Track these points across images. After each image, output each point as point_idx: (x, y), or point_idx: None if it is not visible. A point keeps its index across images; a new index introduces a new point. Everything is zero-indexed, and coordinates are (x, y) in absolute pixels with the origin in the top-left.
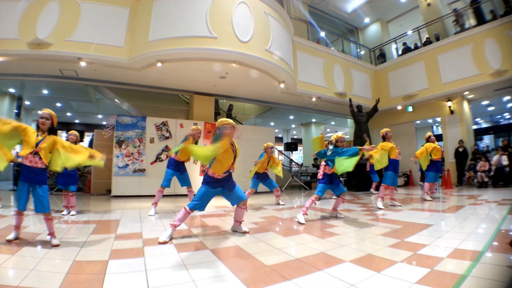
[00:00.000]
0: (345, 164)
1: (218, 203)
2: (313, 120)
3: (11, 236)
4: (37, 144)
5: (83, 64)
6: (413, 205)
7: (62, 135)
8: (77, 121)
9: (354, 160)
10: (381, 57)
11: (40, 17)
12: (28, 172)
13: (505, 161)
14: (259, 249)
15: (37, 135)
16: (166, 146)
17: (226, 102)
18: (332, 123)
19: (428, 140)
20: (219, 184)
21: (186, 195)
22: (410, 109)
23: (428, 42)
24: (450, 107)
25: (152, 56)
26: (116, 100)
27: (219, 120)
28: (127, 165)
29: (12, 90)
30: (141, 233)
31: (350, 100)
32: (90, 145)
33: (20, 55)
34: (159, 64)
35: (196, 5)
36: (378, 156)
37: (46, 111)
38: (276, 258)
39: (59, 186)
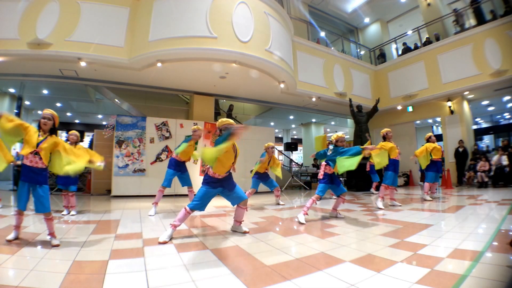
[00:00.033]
0: (347, 163)
1: (218, 203)
2: (313, 120)
3: (11, 236)
4: (38, 144)
5: (83, 64)
6: (413, 205)
7: (62, 135)
8: (77, 121)
9: (357, 159)
10: (381, 57)
11: (40, 17)
12: (29, 172)
13: (505, 161)
14: (259, 249)
15: (39, 135)
16: (166, 146)
17: (226, 102)
18: (332, 123)
19: (428, 140)
20: (220, 184)
21: (186, 195)
22: (410, 109)
23: (428, 42)
24: (450, 107)
25: (152, 56)
26: (116, 100)
27: (219, 120)
28: (127, 165)
29: (12, 90)
30: (141, 233)
31: (350, 100)
32: (90, 145)
33: (20, 55)
34: (159, 64)
35: (196, 5)
36: (378, 158)
37: (48, 111)
38: (276, 258)
39: (59, 186)
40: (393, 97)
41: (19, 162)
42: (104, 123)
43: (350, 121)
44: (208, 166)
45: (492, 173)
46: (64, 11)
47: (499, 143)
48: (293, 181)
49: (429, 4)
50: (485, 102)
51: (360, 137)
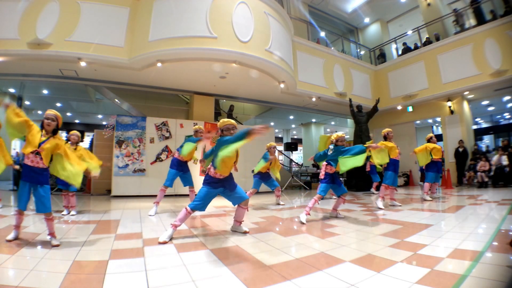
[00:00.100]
0: (351, 162)
1: (218, 203)
2: (313, 120)
3: (11, 236)
4: (40, 144)
5: (83, 64)
6: (413, 205)
7: (62, 135)
8: (77, 121)
9: (362, 157)
10: (381, 57)
11: (40, 17)
12: (30, 171)
13: (505, 161)
14: (259, 249)
15: (41, 135)
16: (166, 146)
17: (227, 102)
18: (332, 123)
19: (429, 141)
20: (221, 185)
21: (186, 195)
22: (410, 109)
23: (428, 42)
24: (450, 107)
25: (152, 56)
26: (116, 100)
27: (221, 121)
28: (127, 165)
29: (12, 90)
30: (141, 233)
31: (350, 100)
32: (91, 145)
33: (20, 55)
34: (159, 64)
35: (196, 5)
36: (379, 158)
37: (52, 112)
38: (276, 258)
39: (59, 186)
40: (393, 97)
41: (17, 167)
42: (104, 123)
43: (350, 121)
44: (209, 167)
45: (492, 173)
46: (64, 11)
47: (499, 143)
48: (293, 181)
49: (429, 4)
50: (485, 102)
51: (360, 137)
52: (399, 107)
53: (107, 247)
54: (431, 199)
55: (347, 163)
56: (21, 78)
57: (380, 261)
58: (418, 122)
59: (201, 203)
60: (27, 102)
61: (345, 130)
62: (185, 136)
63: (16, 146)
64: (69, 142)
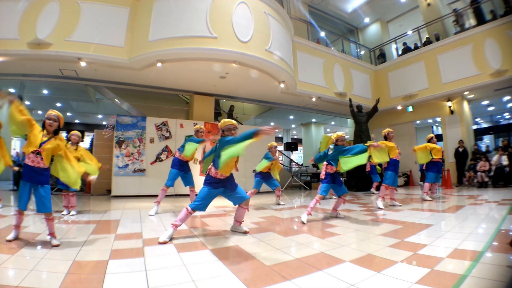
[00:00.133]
0: (354, 161)
1: (218, 203)
2: (313, 120)
3: (11, 236)
4: (41, 144)
5: (83, 64)
6: (413, 205)
7: (63, 135)
8: (77, 121)
9: (365, 156)
10: (381, 57)
11: (40, 17)
12: (30, 171)
13: (505, 161)
14: (259, 249)
15: (42, 135)
16: (166, 146)
17: (227, 102)
18: (332, 123)
19: (429, 141)
20: (221, 185)
21: (186, 195)
22: (410, 109)
23: (428, 42)
24: (450, 107)
25: (152, 56)
26: (116, 100)
27: (222, 121)
28: (127, 165)
29: (12, 90)
30: (141, 233)
31: (350, 100)
32: (91, 145)
33: (20, 55)
34: (159, 64)
35: (196, 5)
36: (379, 157)
37: (54, 112)
38: (276, 258)
39: (59, 186)
40: (393, 97)
41: (16, 168)
42: (104, 123)
43: (350, 121)
44: (209, 167)
45: (492, 173)
46: (64, 11)
47: (499, 143)
48: (293, 181)
49: (429, 4)
50: (485, 102)
51: (360, 137)
52: (399, 107)
53: (107, 247)
54: (430, 199)
55: (351, 162)
56: (21, 78)
57: (380, 261)
58: (418, 122)
59: (202, 203)
60: (27, 102)
61: (345, 130)
62: (185, 136)
63: (16, 146)
64: (69, 142)
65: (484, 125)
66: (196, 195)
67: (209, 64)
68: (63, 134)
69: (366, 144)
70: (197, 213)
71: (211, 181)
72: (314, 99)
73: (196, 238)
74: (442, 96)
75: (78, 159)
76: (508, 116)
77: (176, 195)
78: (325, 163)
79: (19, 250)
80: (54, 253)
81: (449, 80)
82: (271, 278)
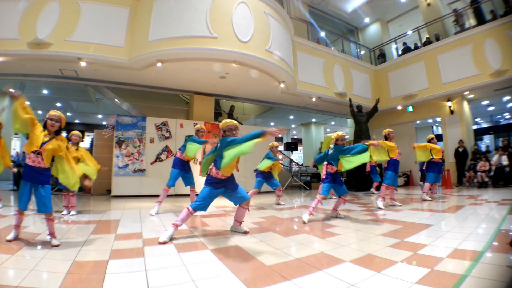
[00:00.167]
0: (356, 160)
1: (218, 203)
2: (313, 120)
3: (11, 235)
4: (42, 145)
5: (83, 64)
6: (413, 205)
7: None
8: (77, 121)
9: (367, 154)
10: (381, 57)
11: (40, 17)
12: (31, 171)
13: (505, 161)
14: (259, 249)
15: (44, 136)
16: (166, 146)
17: (227, 102)
18: (332, 123)
19: (430, 142)
20: (222, 185)
21: (186, 195)
22: (410, 109)
23: (428, 42)
24: (450, 107)
25: (152, 56)
26: (116, 100)
27: (223, 121)
28: (127, 165)
29: (12, 90)
30: (141, 233)
31: (350, 100)
32: (91, 145)
33: (20, 55)
34: (159, 64)
35: (196, 5)
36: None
37: (56, 113)
38: (276, 258)
39: (60, 186)
40: (393, 97)
41: (15, 170)
42: (104, 123)
43: (350, 121)
44: (210, 167)
45: (492, 173)
46: (64, 11)
47: (499, 143)
48: (293, 181)
49: (429, 4)
50: (485, 102)
51: (360, 137)
52: (399, 107)
53: (107, 247)
54: (430, 199)
55: (353, 161)
56: (21, 78)
57: (380, 261)
58: (418, 122)
59: (203, 203)
60: (27, 102)
61: (345, 130)
62: (185, 136)
63: (16, 146)
64: (70, 142)
65: (484, 125)
66: (196, 195)
67: (209, 64)
68: (63, 135)
69: (366, 143)
70: (198, 213)
71: (212, 181)
72: (314, 99)
73: (196, 238)
74: (442, 96)
75: (78, 160)
76: (508, 116)
77: (176, 195)
78: (325, 162)
79: (19, 250)
80: (54, 253)
81: (449, 80)
82: (271, 278)
